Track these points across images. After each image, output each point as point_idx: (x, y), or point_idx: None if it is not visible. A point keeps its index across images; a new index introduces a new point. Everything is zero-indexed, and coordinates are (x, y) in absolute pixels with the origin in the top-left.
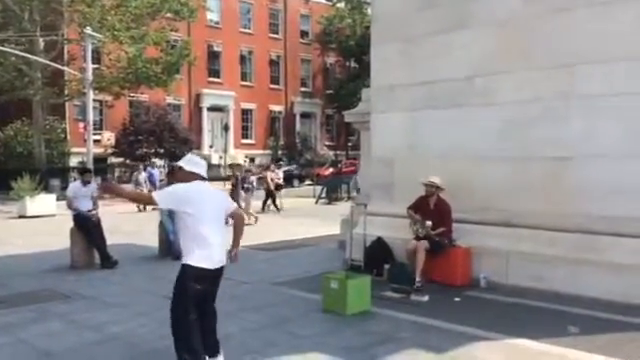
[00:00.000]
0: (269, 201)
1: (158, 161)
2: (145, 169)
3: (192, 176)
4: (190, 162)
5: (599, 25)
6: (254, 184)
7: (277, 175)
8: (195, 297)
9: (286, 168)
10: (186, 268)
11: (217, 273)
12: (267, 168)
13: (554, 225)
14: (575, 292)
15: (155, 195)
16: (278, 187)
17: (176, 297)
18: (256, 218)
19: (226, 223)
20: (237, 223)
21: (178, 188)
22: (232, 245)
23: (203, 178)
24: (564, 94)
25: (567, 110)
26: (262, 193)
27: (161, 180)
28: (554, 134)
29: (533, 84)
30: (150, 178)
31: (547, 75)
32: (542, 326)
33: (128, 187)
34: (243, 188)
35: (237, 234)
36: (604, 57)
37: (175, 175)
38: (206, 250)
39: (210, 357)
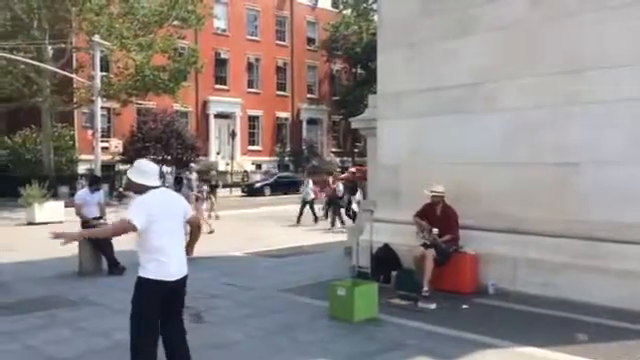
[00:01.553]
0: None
1: (195, 166)
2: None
3: (143, 187)
4: (136, 172)
5: (605, 30)
6: (204, 194)
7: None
8: (157, 311)
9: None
10: (142, 281)
11: (177, 285)
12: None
13: (561, 232)
14: (583, 299)
15: (131, 220)
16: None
17: (134, 315)
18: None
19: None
20: (193, 229)
21: (137, 203)
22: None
23: (153, 187)
24: (570, 100)
25: (573, 116)
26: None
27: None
28: (560, 140)
29: (539, 90)
30: (188, 184)
31: (553, 81)
32: (550, 333)
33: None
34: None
35: (194, 240)
36: (610, 62)
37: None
38: (164, 262)
39: None
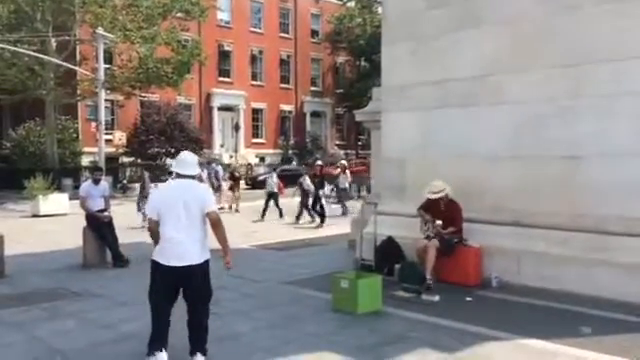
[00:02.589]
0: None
1: (218, 159)
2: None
3: (180, 176)
4: (176, 163)
5: (611, 23)
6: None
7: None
8: (161, 289)
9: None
10: (151, 262)
11: (184, 271)
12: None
13: (566, 225)
14: (588, 292)
15: (150, 218)
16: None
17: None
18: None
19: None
20: (212, 224)
21: (152, 194)
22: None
23: (188, 176)
24: (576, 93)
25: (579, 109)
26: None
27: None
28: (566, 133)
29: (545, 83)
30: (216, 175)
31: (559, 74)
32: (554, 326)
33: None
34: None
35: (217, 237)
36: (616, 55)
37: None
38: (166, 247)
39: (190, 354)
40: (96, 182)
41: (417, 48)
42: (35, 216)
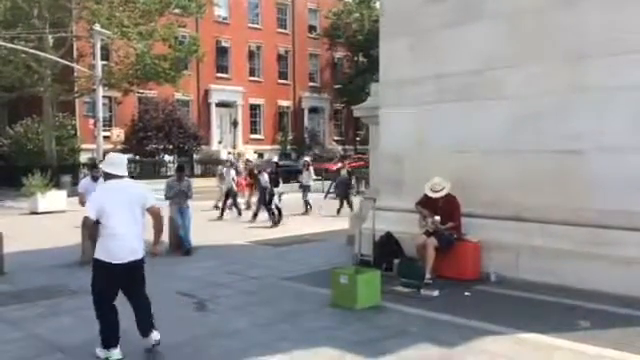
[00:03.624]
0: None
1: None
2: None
3: (109, 175)
4: (106, 163)
5: (610, 17)
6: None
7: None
8: (110, 286)
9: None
10: (94, 261)
11: (133, 265)
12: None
13: (565, 219)
14: (587, 287)
15: (88, 216)
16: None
17: (92, 286)
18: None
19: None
20: (153, 219)
21: (90, 198)
22: (153, 242)
23: (119, 176)
24: (575, 87)
25: (579, 103)
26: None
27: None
28: (565, 127)
29: (544, 77)
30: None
31: (558, 68)
32: (553, 320)
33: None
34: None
35: (156, 228)
36: (616, 49)
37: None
38: (111, 245)
39: (144, 337)
40: (95, 179)
41: (415, 43)
42: (33, 213)
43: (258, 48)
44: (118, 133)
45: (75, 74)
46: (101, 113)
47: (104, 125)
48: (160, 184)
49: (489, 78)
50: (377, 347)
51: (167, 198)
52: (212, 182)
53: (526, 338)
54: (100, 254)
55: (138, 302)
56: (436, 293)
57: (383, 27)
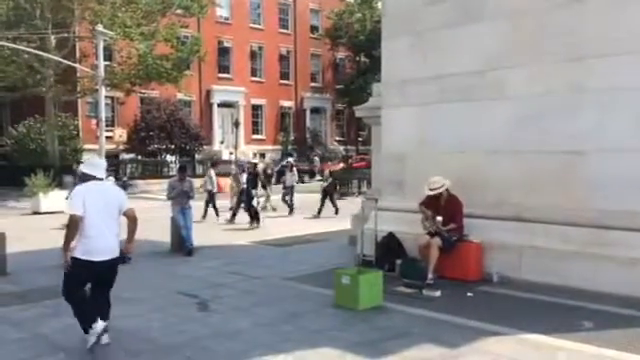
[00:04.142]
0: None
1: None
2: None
3: (89, 177)
4: (86, 164)
5: (612, 17)
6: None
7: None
8: (82, 283)
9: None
10: (72, 260)
11: (109, 263)
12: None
13: (568, 220)
14: (590, 287)
15: (69, 212)
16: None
17: (64, 279)
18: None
19: None
20: (129, 221)
21: (73, 192)
22: (126, 240)
23: (98, 178)
24: (578, 87)
25: (581, 103)
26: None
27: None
28: (568, 128)
29: (546, 77)
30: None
31: (560, 68)
32: (555, 321)
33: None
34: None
35: (131, 228)
36: (618, 50)
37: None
38: (91, 244)
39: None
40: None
41: (417, 43)
42: (36, 213)
43: (260, 48)
44: (120, 133)
45: (78, 74)
46: (103, 113)
47: (106, 125)
48: (162, 184)
49: (491, 78)
50: (379, 348)
51: (169, 198)
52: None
53: (529, 339)
54: (78, 253)
55: (99, 300)
56: (438, 294)
57: (385, 27)
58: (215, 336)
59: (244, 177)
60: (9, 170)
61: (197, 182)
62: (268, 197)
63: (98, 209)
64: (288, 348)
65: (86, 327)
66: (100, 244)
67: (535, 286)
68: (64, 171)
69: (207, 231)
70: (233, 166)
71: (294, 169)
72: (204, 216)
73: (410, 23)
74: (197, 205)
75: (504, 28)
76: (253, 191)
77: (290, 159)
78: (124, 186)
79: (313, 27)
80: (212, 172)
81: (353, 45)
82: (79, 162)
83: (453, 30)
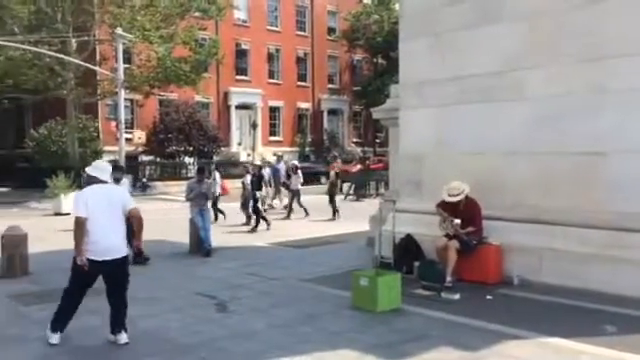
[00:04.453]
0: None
1: (282, 156)
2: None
3: (94, 179)
4: (92, 167)
5: (632, 16)
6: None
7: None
8: (84, 283)
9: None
10: (74, 258)
11: (106, 265)
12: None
13: (587, 222)
14: (611, 291)
15: (75, 214)
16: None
17: (71, 277)
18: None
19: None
20: (133, 221)
21: (77, 195)
22: (135, 239)
23: (102, 181)
24: (597, 88)
25: (601, 104)
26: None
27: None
28: (587, 129)
29: (565, 78)
30: (275, 174)
31: (579, 68)
32: (576, 325)
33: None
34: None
35: (137, 228)
36: (637, 49)
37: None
38: (94, 243)
39: (112, 334)
40: (117, 181)
41: (435, 44)
42: (57, 214)
43: (277, 50)
44: (139, 135)
45: (97, 77)
46: (123, 115)
47: (126, 127)
48: (181, 186)
49: (509, 79)
50: (397, 350)
51: (188, 199)
52: (232, 184)
53: (549, 342)
54: (85, 253)
55: (116, 301)
56: (457, 296)
57: (402, 29)
58: (233, 337)
59: (248, 179)
60: (31, 172)
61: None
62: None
63: (102, 210)
64: (306, 349)
65: (55, 327)
66: (105, 244)
67: (555, 289)
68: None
69: (222, 233)
70: (267, 168)
71: (299, 172)
72: (216, 218)
73: (428, 24)
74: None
75: (523, 29)
76: (258, 193)
77: (295, 162)
78: (143, 187)
79: (330, 29)
80: (217, 174)
81: (370, 47)
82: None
83: (471, 31)
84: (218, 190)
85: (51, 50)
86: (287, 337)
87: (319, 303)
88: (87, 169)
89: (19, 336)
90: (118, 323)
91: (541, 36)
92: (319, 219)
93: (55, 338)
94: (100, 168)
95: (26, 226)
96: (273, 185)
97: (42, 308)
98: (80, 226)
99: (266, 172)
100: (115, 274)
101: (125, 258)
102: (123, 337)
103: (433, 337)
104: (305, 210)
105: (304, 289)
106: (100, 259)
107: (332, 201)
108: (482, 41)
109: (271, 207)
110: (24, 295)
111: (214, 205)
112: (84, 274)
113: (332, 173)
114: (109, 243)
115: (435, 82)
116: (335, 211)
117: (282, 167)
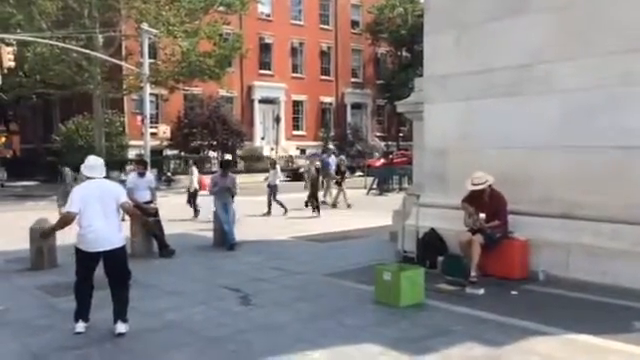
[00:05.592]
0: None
1: (332, 149)
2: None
3: (88, 177)
4: (84, 167)
5: None
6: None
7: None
8: (83, 271)
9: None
10: (75, 250)
11: (103, 255)
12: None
13: (618, 217)
14: None
15: (69, 212)
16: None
17: (75, 269)
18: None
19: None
20: (127, 212)
21: (72, 191)
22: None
23: (93, 177)
24: (628, 80)
25: (632, 97)
26: None
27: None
28: (618, 122)
29: (595, 70)
30: (326, 167)
31: (610, 60)
32: (605, 322)
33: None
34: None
35: (132, 218)
36: None
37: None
38: (88, 236)
39: (114, 323)
40: (141, 175)
41: (460, 37)
42: None
43: (301, 44)
44: (164, 130)
45: (123, 72)
46: (148, 110)
47: (151, 122)
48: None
49: (538, 72)
50: (421, 345)
51: (212, 193)
52: (255, 178)
53: (576, 339)
54: (79, 244)
55: (116, 292)
56: (482, 291)
57: (427, 21)
58: (257, 330)
59: (316, 165)
60: (58, 166)
61: (239, 178)
62: (344, 193)
63: (92, 204)
64: (329, 343)
65: (78, 316)
66: (97, 235)
67: (583, 285)
68: (110, 166)
69: (248, 226)
70: (307, 162)
71: (277, 166)
72: (195, 215)
73: (454, 17)
74: (244, 200)
75: (551, 20)
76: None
77: (342, 156)
78: (168, 181)
79: (354, 22)
80: (194, 169)
81: (394, 40)
82: (126, 159)
83: (498, 23)
84: (195, 185)
85: (78, 45)
86: (310, 331)
87: (342, 297)
88: (82, 171)
89: (49, 326)
90: (116, 313)
91: (571, 27)
92: (345, 213)
93: (80, 327)
94: (91, 167)
95: (55, 219)
96: (324, 180)
97: (70, 299)
98: (65, 220)
99: (332, 160)
100: (112, 266)
101: (121, 250)
102: (121, 327)
103: (457, 332)
104: (271, 207)
105: (327, 283)
106: (93, 250)
107: (315, 197)
108: (509, 33)
109: (324, 203)
110: (53, 287)
111: (190, 200)
112: (83, 265)
113: (312, 169)
114: (101, 235)
115: (460, 75)
116: (316, 208)
117: (333, 161)
